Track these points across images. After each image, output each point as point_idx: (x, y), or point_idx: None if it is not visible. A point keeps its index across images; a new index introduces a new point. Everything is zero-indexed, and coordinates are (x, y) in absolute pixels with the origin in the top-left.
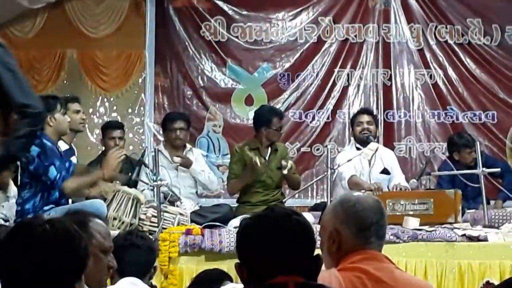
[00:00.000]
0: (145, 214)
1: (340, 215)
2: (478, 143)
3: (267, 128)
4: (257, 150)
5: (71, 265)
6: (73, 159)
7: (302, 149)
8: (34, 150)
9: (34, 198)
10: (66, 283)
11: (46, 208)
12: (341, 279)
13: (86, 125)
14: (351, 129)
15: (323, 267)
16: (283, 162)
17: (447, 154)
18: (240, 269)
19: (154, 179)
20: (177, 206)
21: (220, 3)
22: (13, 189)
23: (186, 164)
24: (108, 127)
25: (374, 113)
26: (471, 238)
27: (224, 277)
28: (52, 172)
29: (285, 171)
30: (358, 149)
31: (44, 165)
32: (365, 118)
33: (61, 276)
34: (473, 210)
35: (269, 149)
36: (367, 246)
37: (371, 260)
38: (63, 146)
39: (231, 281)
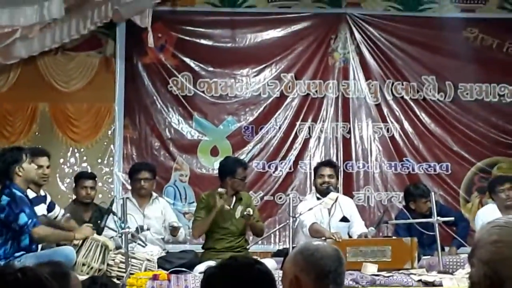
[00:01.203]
0: (113, 260)
1: (300, 263)
2: (433, 193)
3: (232, 177)
4: (221, 198)
5: None
6: (42, 207)
7: (265, 198)
8: (4, 199)
9: (5, 245)
10: None
11: (17, 254)
12: None
13: (57, 175)
14: (313, 179)
15: None
16: (247, 210)
17: (403, 203)
18: None
19: (122, 226)
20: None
21: (187, 60)
22: None
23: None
24: (80, 177)
25: (336, 165)
26: (426, 284)
27: None
28: (22, 218)
29: (250, 212)
30: (318, 198)
31: (15, 213)
32: (327, 171)
33: None
34: (429, 257)
35: (234, 198)
36: None
37: None
38: (31, 194)
39: None
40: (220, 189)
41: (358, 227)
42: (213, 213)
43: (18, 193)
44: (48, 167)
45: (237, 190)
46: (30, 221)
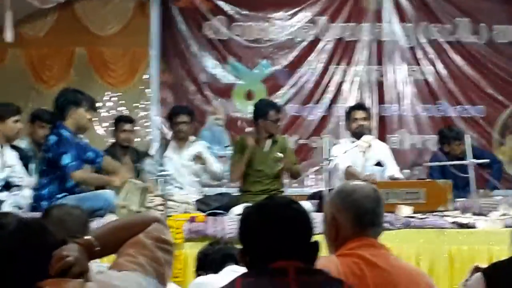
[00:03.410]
0: (152, 202)
1: (337, 204)
2: (467, 135)
3: (265, 120)
4: (256, 142)
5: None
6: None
7: (300, 141)
8: (52, 139)
9: (51, 185)
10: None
11: (59, 195)
12: (339, 264)
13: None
14: (346, 123)
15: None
16: (276, 154)
17: (437, 146)
18: (242, 255)
19: (160, 169)
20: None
21: (221, 3)
22: (26, 180)
23: None
24: (120, 121)
25: (368, 108)
26: (461, 225)
27: (227, 258)
28: (64, 159)
29: (280, 156)
30: (352, 142)
31: (59, 153)
32: (360, 114)
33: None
34: (463, 199)
35: (269, 141)
36: (364, 233)
37: (368, 246)
38: None
39: (235, 263)
40: (249, 137)
41: (393, 171)
42: (246, 155)
43: (66, 134)
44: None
45: (271, 133)
46: (72, 163)
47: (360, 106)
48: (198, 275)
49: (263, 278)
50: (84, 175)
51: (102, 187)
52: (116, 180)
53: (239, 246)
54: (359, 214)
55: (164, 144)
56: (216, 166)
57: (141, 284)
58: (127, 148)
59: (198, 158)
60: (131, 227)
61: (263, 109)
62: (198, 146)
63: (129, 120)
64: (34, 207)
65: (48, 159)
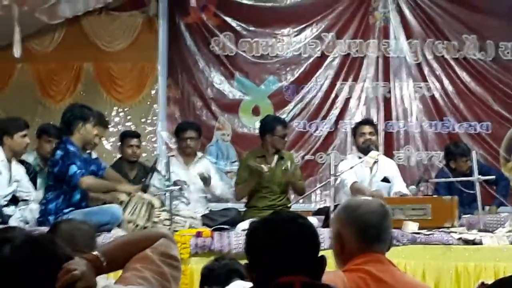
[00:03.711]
0: (158, 217)
1: (342, 219)
2: (473, 152)
3: (272, 135)
4: (263, 157)
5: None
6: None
7: (306, 157)
8: (58, 154)
9: (57, 200)
10: None
11: (66, 210)
12: (346, 279)
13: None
14: (353, 139)
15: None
16: (285, 165)
17: (444, 162)
18: (249, 270)
19: (166, 184)
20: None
21: (229, 20)
22: (34, 194)
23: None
24: (126, 136)
25: (375, 123)
26: (467, 242)
27: (232, 274)
28: (72, 168)
29: (288, 167)
30: (359, 158)
31: (66, 165)
32: (367, 129)
33: None
34: (469, 215)
35: (276, 156)
36: (370, 249)
37: (374, 262)
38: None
39: (241, 278)
40: (265, 168)
41: (399, 187)
42: (253, 179)
43: (72, 148)
44: (100, 138)
45: (277, 148)
46: (79, 171)
47: (367, 121)
48: None
49: None
50: (91, 181)
51: (109, 202)
52: (122, 186)
53: (245, 261)
54: (363, 229)
55: (167, 159)
56: (219, 189)
57: None
58: (134, 163)
59: (203, 179)
60: (139, 242)
61: (270, 124)
62: (205, 163)
63: (135, 135)
64: (40, 222)
65: (54, 173)
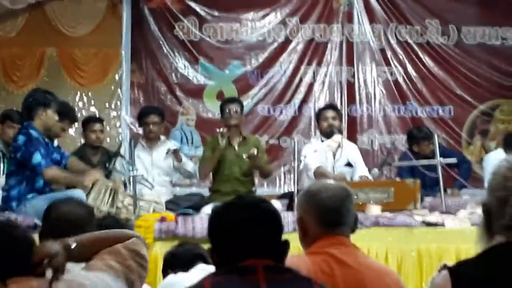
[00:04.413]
0: (122, 202)
1: (303, 204)
2: (436, 135)
3: (222, 116)
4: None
5: None
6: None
7: (271, 142)
8: (21, 139)
9: (20, 185)
10: None
11: (29, 195)
12: (309, 262)
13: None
14: (316, 123)
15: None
16: (251, 151)
17: (406, 146)
18: (212, 254)
19: (130, 169)
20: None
21: (193, 4)
22: None
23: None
24: (89, 121)
25: (338, 108)
26: (429, 224)
27: (196, 257)
28: (36, 157)
29: (253, 152)
30: (323, 141)
31: (29, 152)
32: (330, 113)
33: None
34: (431, 198)
35: (239, 139)
36: (332, 232)
37: (337, 245)
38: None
39: (204, 262)
40: (220, 129)
41: (362, 172)
42: (216, 153)
43: (35, 134)
44: (64, 130)
45: (229, 125)
46: (43, 161)
47: (330, 106)
48: (166, 274)
49: (232, 276)
50: (55, 173)
51: (73, 187)
52: (86, 179)
53: (208, 246)
54: (323, 213)
55: (134, 143)
56: (190, 165)
57: (110, 285)
58: (97, 148)
59: (174, 153)
60: (111, 238)
61: (221, 107)
62: (169, 146)
63: (98, 120)
64: (3, 208)
65: (17, 159)
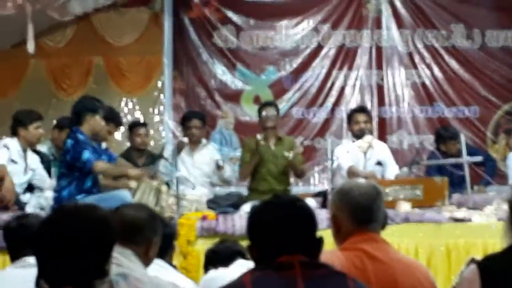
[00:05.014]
0: (166, 202)
1: (336, 202)
2: (462, 135)
3: (260, 117)
4: (264, 141)
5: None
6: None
7: (305, 143)
8: (69, 142)
9: (70, 186)
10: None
11: (79, 196)
12: (343, 258)
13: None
14: (348, 125)
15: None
16: (285, 153)
17: (434, 145)
18: (251, 250)
19: (173, 170)
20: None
21: (230, 14)
22: (48, 182)
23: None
24: (135, 125)
25: (369, 111)
26: (457, 220)
27: (235, 254)
28: (85, 154)
29: (289, 155)
30: (354, 142)
31: (78, 152)
32: (361, 117)
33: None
34: (459, 195)
35: (275, 140)
36: (364, 229)
37: (369, 241)
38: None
39: (243, 258)
40: (258, 136)
41: (392, 170)
42: (255, 157)
43: (82, 137)
44: (111, 133)
45: (266, 127)
46: (92, 156)
47: (361, 109)
48: (208, 270)
49: (270, 272)
50: (105, 166)
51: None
52: (130, 171)
53: (247, 243)
54: (355, 210)
55: (179, 148)
56: (227, 172)
57: None
58: (142, 151)
59: (218, 166)
60: None
61: (258, 110)
62: (210, 149)
63: (143, 124)
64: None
65: (67, 161)
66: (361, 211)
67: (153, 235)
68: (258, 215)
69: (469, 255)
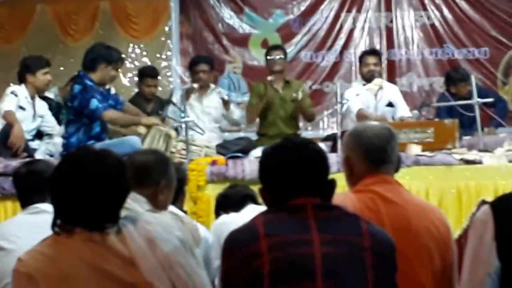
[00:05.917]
0: (175, 147)
1: (349, 144)
2: (472, 76)
3: (267, 61)
4: (271, 85)
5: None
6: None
7: (314, 87)
8: (76, 88)
9: (78, 133)
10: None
11: (88, 143)
12: (355, 199)
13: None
14: (358, 67)
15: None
16: (294, 94)
17: (444, 87)
18: (263, 194)
19: (182, 116)
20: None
21: None
22: (57, 128)
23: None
24: (146, 75)
25: (380, 53)
26: (467, 162)
27: (246, 198)
28: (93, 103)
29: (297, 95)
30: (364, 85)
31: (86, 99)
32: (372, 59)
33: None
34: (469, 137)
35: (283, 83)
36: (377, 170)
37: (382, 182)
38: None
39: (254, 202)
40: (269, 77)
41: (403, 111)
42: (263, 100)
43: (89, 82)
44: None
45: (273, 70)
46: (101, 105)
47: (372, 51)
48: (219, 214)
49: (282, 214)
50: (114, 114)
51: (131, 132)
52: (143, 119)
53: (258, 187)
54: (369, 151)
55: (188, 94)
56: (237, 114)
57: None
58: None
59: (224, 102)
60: None
61: (265, 53)
62: (221, 94)
63: (154, 74)
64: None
65: (74, 107)
66: (374, 152)
67: (160, 178)
68: (270, 157)
69: (479, 197)
